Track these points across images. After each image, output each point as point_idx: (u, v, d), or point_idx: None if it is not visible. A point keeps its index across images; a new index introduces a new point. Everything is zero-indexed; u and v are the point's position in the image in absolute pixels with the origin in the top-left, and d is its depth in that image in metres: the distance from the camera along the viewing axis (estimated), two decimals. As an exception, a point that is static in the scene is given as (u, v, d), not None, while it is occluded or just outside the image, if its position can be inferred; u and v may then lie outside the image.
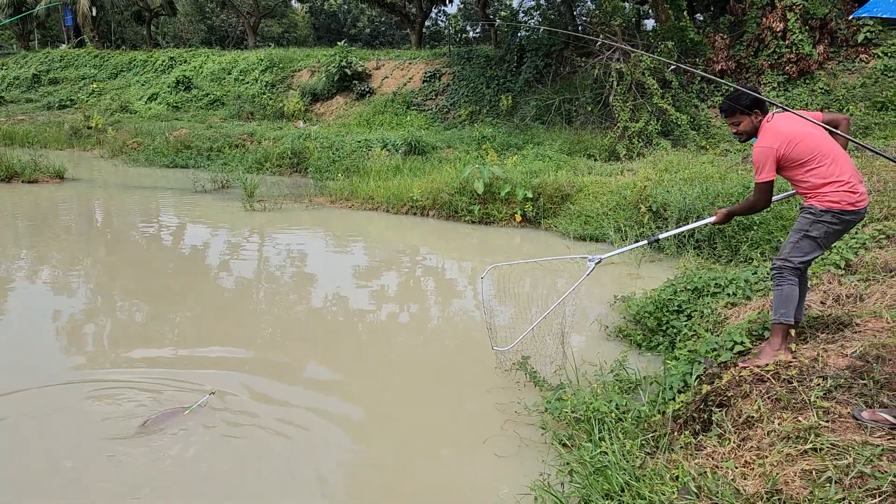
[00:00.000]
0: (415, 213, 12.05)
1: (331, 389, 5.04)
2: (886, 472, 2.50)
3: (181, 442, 4.13)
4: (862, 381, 3.29)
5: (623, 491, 2.99)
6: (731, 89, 4.18)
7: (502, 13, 35.22)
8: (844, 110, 13.89)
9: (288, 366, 5.46)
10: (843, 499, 2.34)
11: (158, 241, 10.46)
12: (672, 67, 14.87)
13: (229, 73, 28.24)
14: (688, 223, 4.85)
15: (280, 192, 13.78)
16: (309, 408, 4.66)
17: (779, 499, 2.40)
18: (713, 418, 3.44)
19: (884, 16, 2.42)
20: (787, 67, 15.33)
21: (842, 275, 5.43)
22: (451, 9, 50.00)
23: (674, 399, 3.96)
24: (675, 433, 3.54)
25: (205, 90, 27.16)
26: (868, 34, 15.08)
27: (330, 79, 24.31)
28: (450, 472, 4.00)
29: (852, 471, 2.55)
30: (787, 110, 3.29)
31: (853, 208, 3.64)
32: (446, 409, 4.76)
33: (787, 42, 15.29)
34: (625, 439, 3.62)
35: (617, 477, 3.07)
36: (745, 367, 3.72)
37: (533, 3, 22.42)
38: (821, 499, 2.33)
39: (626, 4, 20.80)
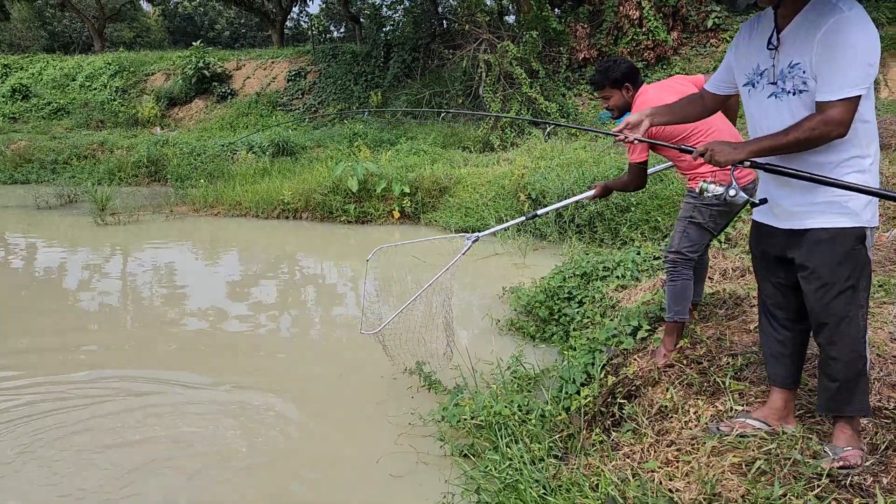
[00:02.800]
0: (287, 217, 11.35)
1: (204, 412, 4.38)
2: (818, 454, 2.29)
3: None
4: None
5: (538, 507, 2.63)
6: (604, 60, 3.89)
7: (365, 11, 34.69)
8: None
9: (152, 392, 4.73)
10: (784, 494, 2.08)
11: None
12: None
13: (73, 80, 25.86)
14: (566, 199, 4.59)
15: (137, 204, 12.60)
16: (174, 439, 4.00)
17: (718, 503, 2.11)
18: (624, 411, 3.16)
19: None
20: (645, 54, 15.87)
21: (725, 248, 5.41)
22: (314, 8, 48.98)
23: (578, 393, 3.67)
24: (585, 431, 3.24)
25: (46, 98, 24.67)
26: (716, 20, 15.89)
27: (187, 81, 22.82)
28: (340, 499, 3.49)
29: (782, 458, 2.31)
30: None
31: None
32: (332, 427, 4.24)
33: (643, 29, 15.83)
34: (532, 444, 3.28)
35: (530, 491, 2.71)
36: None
37: (396, -3, 21.98)
38: (762, 498, 2.06)
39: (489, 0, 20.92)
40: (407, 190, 10.48)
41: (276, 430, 4.19)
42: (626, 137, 2.64)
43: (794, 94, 2.18)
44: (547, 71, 15.95)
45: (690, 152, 2.37)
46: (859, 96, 2.05)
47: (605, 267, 5.72)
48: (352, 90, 20.23)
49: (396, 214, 10.55)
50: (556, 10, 18.83)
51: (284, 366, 5.37)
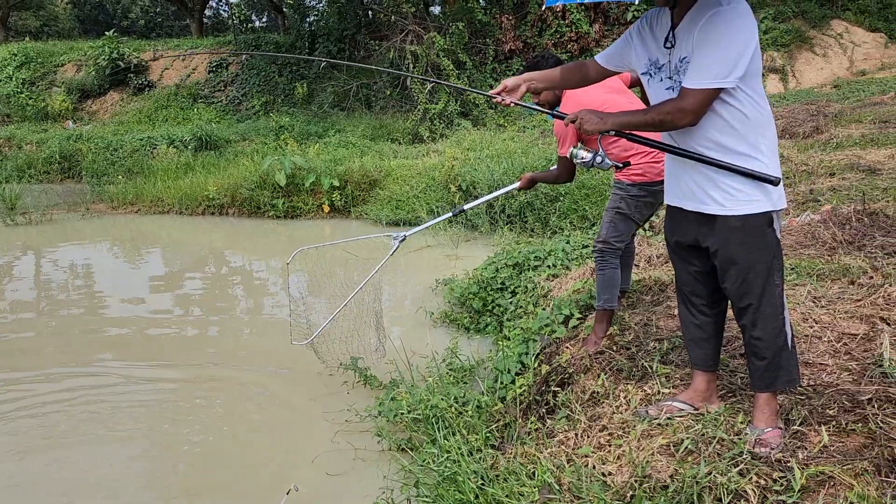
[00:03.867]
0: (213, 213, 11.05)
1: (132, 416, 4.23)
2: (742, 433, 2.41)
3: None
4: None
5: (478, 498, 2.66)
6: (534, 54, 3.96)
7: (288, 0, 33.99)
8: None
9: (74, 398, 4.53)
10: (710, 472, 2.17)
11: None
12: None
13: (-25, 71, 24.32)
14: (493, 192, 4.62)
15: (50, 202, 12.00)
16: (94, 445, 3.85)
17: (649, 485, 2.19)
18: (558, 399, 3.24)
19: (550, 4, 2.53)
20: (569, 45, 16.18)
21: (650, 236, 5.59)
22: (234, -4, 47.54)
23: (513, 382, 3.73)
24: (521, 420, 3.30)
25: (-57, 91, 23.14)
26: (635, 13, 16.32)
27: (100, 73, 21.81)
28: (276, 500, 3.44)
29: (707, 438, 2.42)
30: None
31: (661, 178, 3.56)
32: (265, 427, 4.18)
33: (566, 21, 16.12)
34: (469, 435, 3.32)
35: (469, 483, 2.74)
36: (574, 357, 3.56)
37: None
38: (689, 477, 2.15)
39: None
40: (336, 183, 10.37)
41: (206, 433, 4.09)
42: (503, 100, 2.71)
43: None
44: (474, 62, 16.05)
45: (563, 118, 2.48)
46: (719, 90, 2.15)
47: (536, 257, 5.82)
48: (276, 81, 19.81)
49: (326, 208, 10.43)
50: (480, 1, 18.98)
51: (213, 366, 5.23)
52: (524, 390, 3.51)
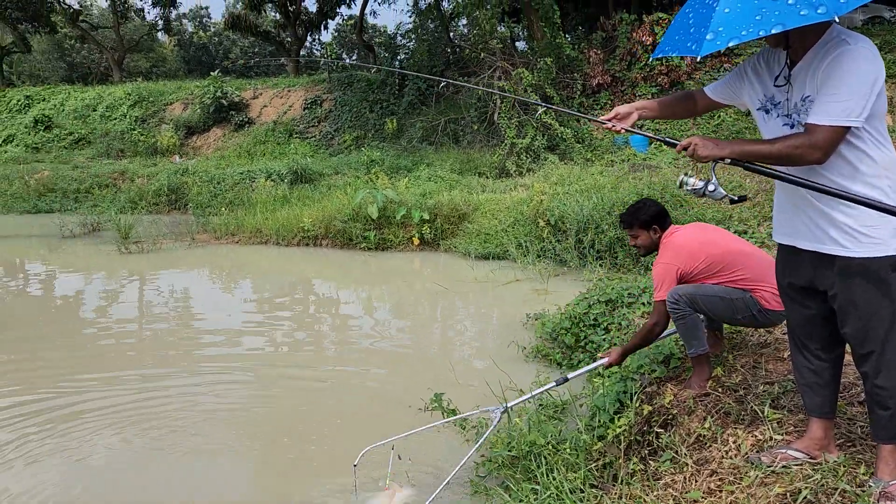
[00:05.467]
0: (307, 244, 11.46)
1: (229, 448, 4.42)
2: (864, 484, 2.29)
3: None
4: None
5: (581, 538, 2.64)
6: (635, 201, 3.93)
7: (377, 39, 35.19)
8: (716, 116, 14.58)
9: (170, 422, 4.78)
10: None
11: (24, 296, 9.26)
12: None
13: (94, 110, 26.33)
14: (590, 363, 4.09)
15: (158, 232, 12.77)
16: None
17: (767, 535, 2.12)
18: (661, 440, 3.17)
19: (677, 55, 2.42)
20: (659, 79, 15.99)
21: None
22: (326, 37, 49.69)
23: (612, 421, 3.68)
24: (623, 460, 3.25)
25: (67, 129, 25.15)
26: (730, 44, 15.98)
27: (205, 110, 23.21)
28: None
29: (828, 488, 2.32)
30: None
31: (781, 308, 3.36)
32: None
33: (652, 61, 15.95)
34: (568, 473, 3.29)
35: (572, 522, 2.72)
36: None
37: (410, 26, 22.33)
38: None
39: (501, 26, 21.18)
40: (426, 217, 10.57)
41: (297, 459, 4.22)
42: (614, 126, 2.65)
43: None
44: (561, 97, 16.09)
45: (674, 145, 2.39)
46: (848, 128, 2.09)
47: (630, 293, 5.74)
48: (367, 117, 20.48)
49: (416, 241, 10.63)
50: (567, 36, 19.07)
51: (300, 392, 5.39)
52: (625, 429, 3.46)
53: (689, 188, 2.42)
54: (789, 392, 3.10)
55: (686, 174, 2.43)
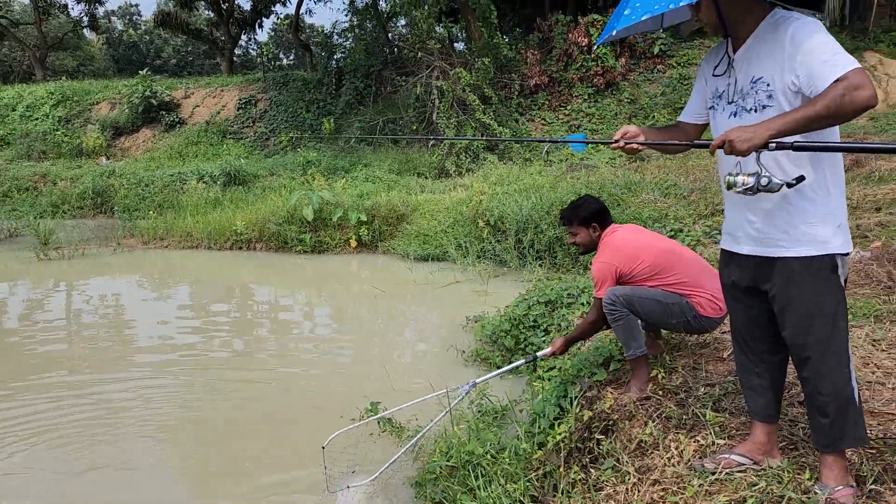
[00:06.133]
0: (240, 248, 11.07)
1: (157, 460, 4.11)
2: (810, 491, 2.21)
3: None
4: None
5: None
6: (576, 198, 3.81)
7: (315, 39, 34.61)
8: (649, 118, 14.81)
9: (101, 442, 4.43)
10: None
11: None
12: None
13: (14, 110, 24.89)
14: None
15: (82, 237, 12.13)
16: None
17: (714, 551, 2.00)
18: (602, 447, 3.05)
19: (620, 32, 2.39)
20: (595, 80, 16.14)
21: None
22: (262, 36, 48.70)
23: (552, 427, 3.55)
24: (563, 469, 3.12)
25: (-17, 129, 23.74)
26: (662, 46, 16.28)
27: (133, 110, 22.28)
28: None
29: (774, 497, 2.23)
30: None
31: (716, 315, 3.30)
32: (283, 476, 4.01)
33: (592, 56, 16.11)
34: (507, 484, 3.14)
35: (511, 541, 2.56)
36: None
37: (347, 25, 21.94)
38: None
39: (439, 26, 21.05)
40: (364, 218, 10.33)
41: (229, 474, 3.96)
42: (625, 144, 2.46)
43: (755, 111, 2.15)
44: (499, 97, 16.07)
45: (706, 146, 2.14)
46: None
47: (569, 294, 5.66)
48: (303, 117, 20.04)
49: (353, 243, 10.37)
50: (505, 37, 19.07)
51: (230, 407, 5.10)
52: (565, 437, 3.33)
53: (739, 189, 2.08)
54: (730, 394, 3.03)
55: (730, 174, 2.09)
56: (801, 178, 2.01)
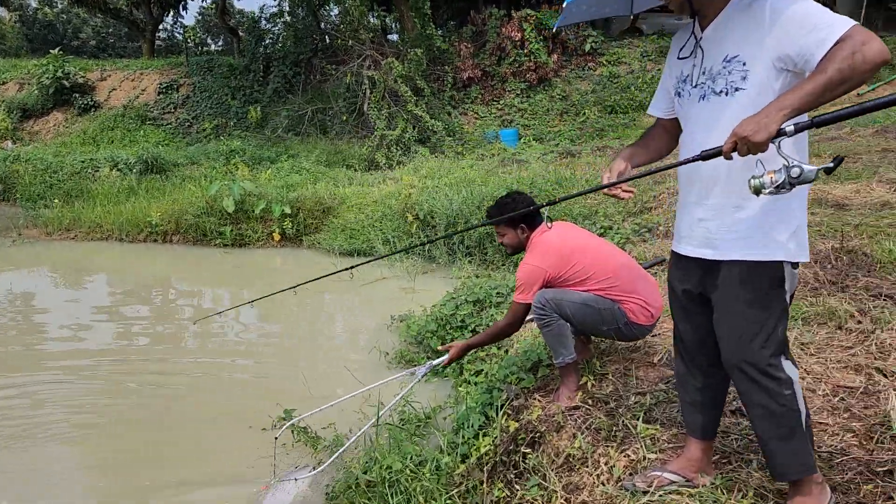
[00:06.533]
0: (155, 240, 10.45)
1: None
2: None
3: None
4: (677, 392, 2.91)
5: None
6: (504, 194, 3.52)
7: (243, 24, 33.48)
8: (581, 114, 14.86)
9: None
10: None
11: None
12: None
13: None
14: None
15: (-23, 227, 11.22)
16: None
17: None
18: (528, 461, 2.85)
19: (582, 13, 2.33)
20: (527, 75, 16.09)
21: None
22: (189, 20, 46.89)
23: (476, 437, 3.33)
24: (486, 485, 2.90)
25: None
26: (593, 44, 16.38)
27: (43, 91, 20.89)
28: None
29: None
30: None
31: (647, 323, 3.15)
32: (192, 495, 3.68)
33: (525, 51, 16.06)
34: (426, 503, 2.91)
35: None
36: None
37: (276, 9, 21.18)
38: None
39: (373, 16, 20.60)
40: (288, 211, 9.90)
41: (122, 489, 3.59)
42: (626, 194, 2.21)
43: (725, 93, 1.90)
44: (432, 89, 15.81)
45: (718, 153, 1.80)
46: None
47: (498, 293, 5.48)
48: (229, 104, 19.23)
49: (277, 237, 9.94)
50: (439, 29, 18.82)
51: (145, 414, 4.70)
52: (489, 450, 3.12)
53: (769, 189, 1.74)
54: (662, 403, 2.88)
55: (754, 176, 1.75)
56: (839, 160, 1.70)
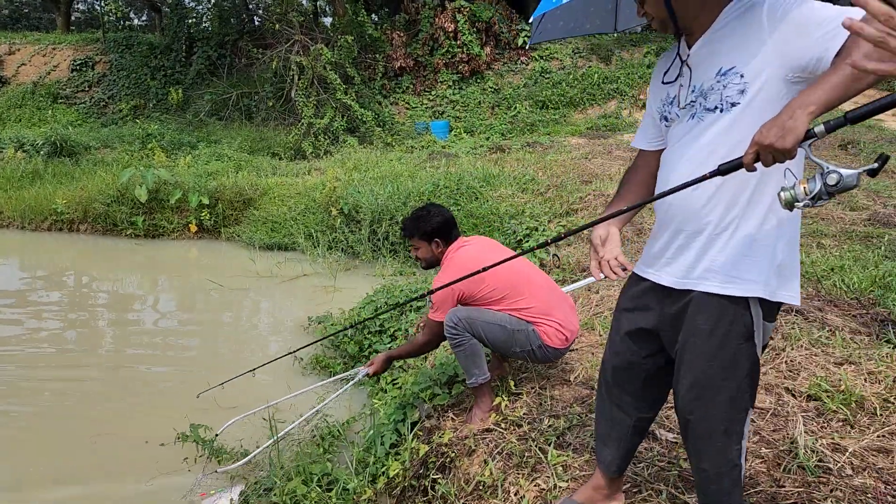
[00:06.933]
0: (60, 229, 9.83)
1: None
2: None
3: None
4: (591, 415, 2.84)
5: None
6: (419, 206, 3.36)
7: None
8: (513, 108, 14.84)
9: None
10: None
11: None
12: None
13: None
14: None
15: None
16: None
17: None
18: (437, 489, 2.72)
19: (554, 38, 2.21)
20: (460, 66, 15.97)
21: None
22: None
23: (387, 458, 3.19)
24: (393, 513, 2.76)
25: None
26: (526, 38, 16.36)
27: (-58, 64, 19.45)
28: None
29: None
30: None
31: (562, 346, 3.04)
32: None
33: (458, 42, 15.92)
34: (330, 532, 2.75)
35: None
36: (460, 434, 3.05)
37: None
38: None
39: (304, 0, 20.02)
40: (206, 201, 9.46)
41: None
42: (622, 272, 1.85)
43: (719, 110, 1.68)
44: (363, 77, 15.47)
45: (737, 167, 1.53)
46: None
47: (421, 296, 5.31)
48: (148, 85, 18.32)
49: (193, 228, 9.49)
50: (372, 16, 18.42)
51: (25, 435, 4.33)
52: (399, 473, 2.97)
53: (804, 202, 1.47)
54: (575, 426, 2.79)
55: (783, 189, 1.49)
56: (885, 158, 1.41)
